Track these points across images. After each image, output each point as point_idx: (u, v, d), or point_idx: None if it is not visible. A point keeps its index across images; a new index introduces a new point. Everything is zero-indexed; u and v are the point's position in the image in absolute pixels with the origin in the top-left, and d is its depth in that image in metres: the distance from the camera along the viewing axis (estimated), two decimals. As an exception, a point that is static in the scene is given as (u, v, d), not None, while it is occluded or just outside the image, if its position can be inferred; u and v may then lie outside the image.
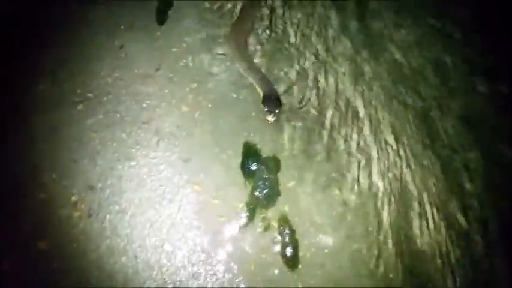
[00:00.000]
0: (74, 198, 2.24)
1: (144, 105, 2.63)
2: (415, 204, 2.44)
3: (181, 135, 2.51)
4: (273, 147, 2.54)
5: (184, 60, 2.87)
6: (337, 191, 2.44)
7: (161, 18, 3.13)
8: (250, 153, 2.49)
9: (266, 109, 2.42)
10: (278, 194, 2.38)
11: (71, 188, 2.28)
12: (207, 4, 3.17)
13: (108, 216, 2.21)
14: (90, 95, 2.67)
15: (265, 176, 2.41)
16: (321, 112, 2.70)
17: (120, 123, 2.53)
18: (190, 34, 3.00)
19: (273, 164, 2.47)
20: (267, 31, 2.99)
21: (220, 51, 2.92)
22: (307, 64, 2.86)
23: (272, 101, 2.46)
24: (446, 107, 2.76)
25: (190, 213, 2.25)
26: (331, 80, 2.83)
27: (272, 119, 2.42)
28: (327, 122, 2.67)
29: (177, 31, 3.02)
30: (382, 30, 3.01)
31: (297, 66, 2.84)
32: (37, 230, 2.18)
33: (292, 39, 2.96)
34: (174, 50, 2.92)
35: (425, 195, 2.47)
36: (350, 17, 3.08)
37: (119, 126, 2.52)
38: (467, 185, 2.53)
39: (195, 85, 2.75)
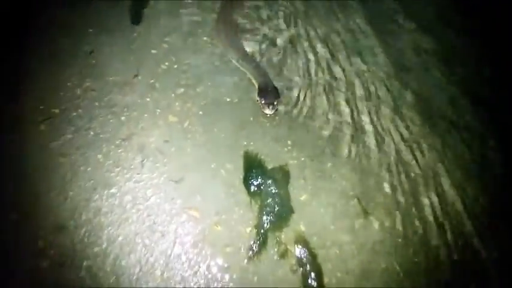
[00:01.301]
0: (40, 243, 1.60)
1: (123, 118, 2.00)
2: (448, 207, 1.93)
3: (169, 152, 1.90)
4: (278, 155, 1.97)
5: (166, 63, 2.25)
6: (355, 200, 1.90)
7: (136, 17, 2.48)
8: (253, 165, 1.91)
9: (263, 101, 1.91)
10: (291, 211, 1.81)
11: (35, 230, 1.64)
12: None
13: (85, 262, 1.58)
14: (55, 111, 2.01)
15: (273, 192, 1.84)
16: (328, 109, 2.15)
17: (94, 143, 1.89)
18: (171, 33, 2.39)
19: (281, 176, 1.90)
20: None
21: (207, 48, 2.32)
22: (310, 56, 2.31)
23: (269, 91, 1.96)
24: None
25: (189, 247, 1.65)
26: (338, 73, 2.29)
27: (271, 112, 1.91)
28: (334, 121, 2.13)
29: (155, 30, 2.40)
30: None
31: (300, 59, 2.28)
32: (-5, 289, 1.54)
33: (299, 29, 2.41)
34: (154, 52, 2.29)
35: (455, 195, 1.96)
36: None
37: (93, 146, 1.88)
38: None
39: (181, 90, 2.14)
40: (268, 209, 1.78)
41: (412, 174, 1.95)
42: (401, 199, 1.90)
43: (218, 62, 2.28)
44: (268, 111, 1.96)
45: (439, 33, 2.51)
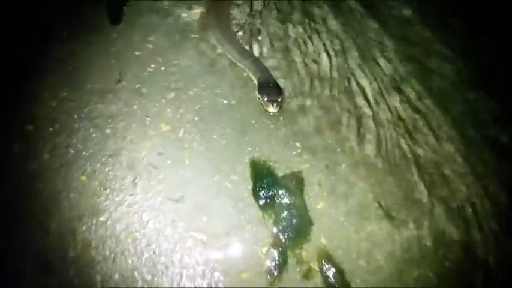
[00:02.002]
0: (20, 289, 1.26)
1: (108, 130, 1.66)
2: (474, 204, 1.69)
3: (165, 166, 1.58)
4: (288, 160, 1.67)
5: (152, 65, 1.90)
6: (376, 203, 1.63)
7: (115, 16, 2.12)
8: (261, 174, 1.61)
9: (266, 98, 1.63)
10: (310, 223, 1.53)
11: (15, 273, 1.30)
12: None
13: (76, 309, 1.26)
14: (29, 127, 1.65)
15: (288, 202, 1.55)
16: (336, 105, 1.87)
17: (75, 162, 1.55)
18: (155, 31, 2.04)
19: (295, 184, 1.61)
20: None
21: (197, 46, 1.99)
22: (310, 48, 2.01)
23: (271, 88, 1.68)
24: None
25: (199, 278, 1.35)
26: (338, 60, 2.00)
27: (275, 110, 1.64)
28: (344, 116, 1.85)
29: (138, 30, 2.04)
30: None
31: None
32: None
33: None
34: (138, 53, 1.94)
35: (481, 191, 1.72)
36: None
37: (75, 166, 1.54)
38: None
39: (172, 94, 1.81)
40: (284, 223, 1.49)
41: (433, 170, 1.70)
42: (424, 197, 1.65)
43: (210, 60, 1.95)
44: (272, 109, 1.66)
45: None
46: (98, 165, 1.52)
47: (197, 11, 2.11)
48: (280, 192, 1.54)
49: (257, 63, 1.86)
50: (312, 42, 2.06)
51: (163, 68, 1.89)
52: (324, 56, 2.02)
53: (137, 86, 1.80)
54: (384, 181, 1.66)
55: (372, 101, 1.88)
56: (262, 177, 1.56)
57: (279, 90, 1.72)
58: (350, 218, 1.56)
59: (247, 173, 1.58)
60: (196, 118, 1.73)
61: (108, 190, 1.47)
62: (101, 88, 1.78)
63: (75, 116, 1.67)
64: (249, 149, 1.66)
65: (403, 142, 1.78)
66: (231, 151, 1.64)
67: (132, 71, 1.85)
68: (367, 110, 1.84)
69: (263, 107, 1.70)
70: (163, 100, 1.77)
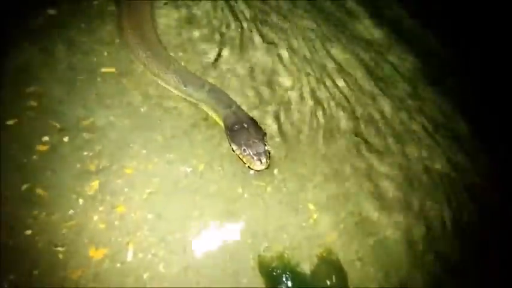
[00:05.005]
0: None
1: None
2: None
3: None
4: (309, 236, 0.98)
5: (45, 137, 0.98)
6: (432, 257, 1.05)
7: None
8: (281, 280, 0.88)
9: (248, 152, 0.89)
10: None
11: None
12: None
13: None
14: None
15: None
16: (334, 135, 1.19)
17: None
18: (42, 80, 1.06)
19: (336, 276, 0.92)
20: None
21: (116, 84, 1.08)
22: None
23: (247, 130, 0.94)
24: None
25: None
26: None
27: (265, 166, 0.90)
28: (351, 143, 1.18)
29: (25, 91, 1.04)
30: None
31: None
32: None
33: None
34: (10, 123, 0.97)
35: None
36: None
37: None
38: None
39: (95, 185, 0.93)
40: None
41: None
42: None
43: (145, 106, 1.08)
44: (261, 166, 0.91)
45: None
46: None
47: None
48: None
49: (215, 92, 1.05)
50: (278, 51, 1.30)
51: (66, 139, 0.97)
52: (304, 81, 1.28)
53: (24, 187, 0.86)
54: (414, 221, 1.07)
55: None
56: (289, 285, 0.83)
57: (259, 132, 0.96)
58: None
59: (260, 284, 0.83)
60: (150, 215, 0.89)
61: None
62: None
63: None
64: (250, 241, 0.90)
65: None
66: (223, 256, 0.86)
67: (7, 157, 0.89)
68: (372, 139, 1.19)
69: (245, 163, 0.93)
70: (81, 201, 0.87)
